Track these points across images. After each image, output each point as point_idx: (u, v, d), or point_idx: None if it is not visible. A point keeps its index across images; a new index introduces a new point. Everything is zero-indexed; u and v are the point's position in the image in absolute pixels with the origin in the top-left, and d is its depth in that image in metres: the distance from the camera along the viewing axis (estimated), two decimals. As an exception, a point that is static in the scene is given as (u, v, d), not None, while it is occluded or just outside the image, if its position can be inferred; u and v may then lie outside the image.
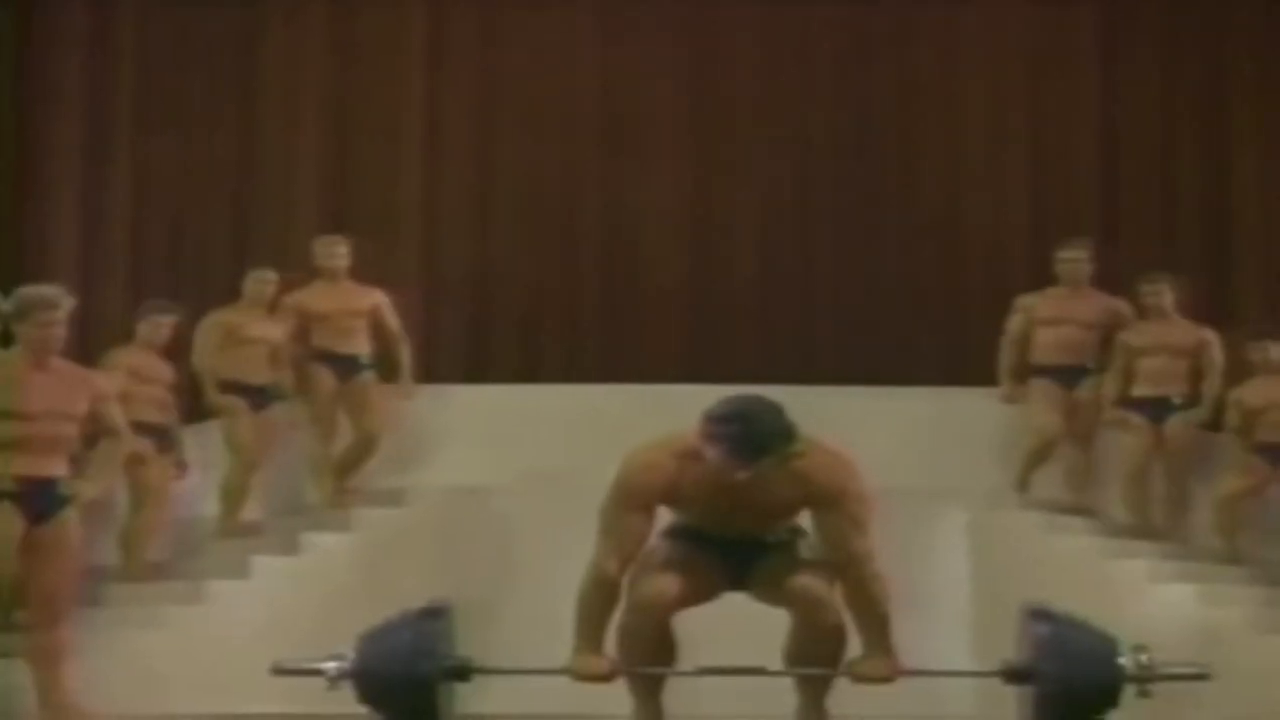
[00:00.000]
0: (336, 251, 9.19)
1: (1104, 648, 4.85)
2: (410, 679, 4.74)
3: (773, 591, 4.91)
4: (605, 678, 4.78)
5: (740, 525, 4.87)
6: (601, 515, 4.83)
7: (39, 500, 6.33)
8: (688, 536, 4.94)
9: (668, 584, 4.79)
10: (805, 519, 5.02)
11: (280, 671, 4.93)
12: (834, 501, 4.79)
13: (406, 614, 4.89)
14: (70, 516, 6.43)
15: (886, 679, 4.81)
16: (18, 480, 6.30)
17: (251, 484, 8.87)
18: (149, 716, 6.85)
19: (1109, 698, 4.78)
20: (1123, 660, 4.78)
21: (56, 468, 6.40)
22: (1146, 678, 4.80)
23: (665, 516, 5.06)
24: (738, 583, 4.94)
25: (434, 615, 4.86)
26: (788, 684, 5.02)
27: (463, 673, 4.85)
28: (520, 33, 10.70)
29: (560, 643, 7.83)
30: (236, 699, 7.55)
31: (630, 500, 4.81)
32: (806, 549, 4.94)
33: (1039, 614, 4.96)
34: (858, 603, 4.83)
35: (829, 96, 10.64)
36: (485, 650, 8.13)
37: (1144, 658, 4.84)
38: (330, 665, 4.85)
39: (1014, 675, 4.88)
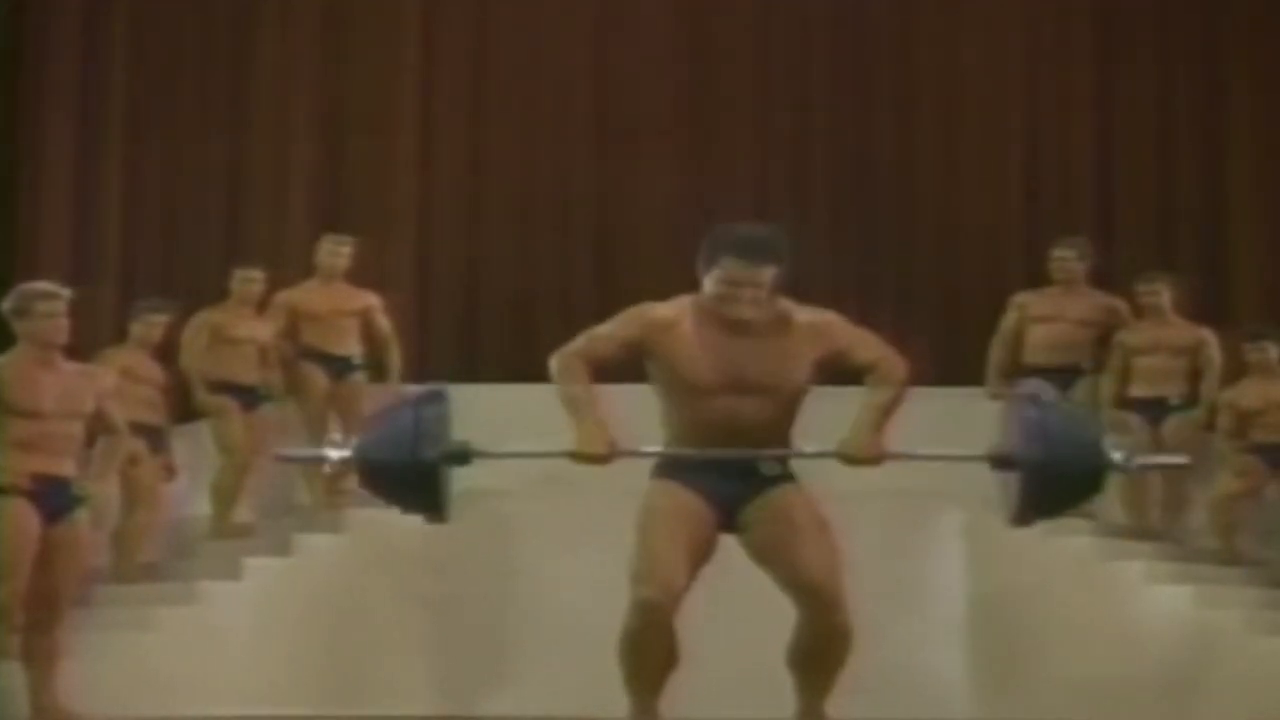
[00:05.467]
0: (341, 251, 9.15)
1: (1089, 433, 4.85)
2: (415, 464, 4.75)
3: (776, 562, 4.79)
4: (605, 458, 4.75)
5: (738, 405, 4.80)
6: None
7: (54, 500, 6.35)
8: (678, 474, 4.88)
9: (672, 572, 4.72)
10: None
11: (284, 458, 4.97)
12: (846, 348, 4.89)
13: (405, 399, 4.93)
14: (82, 518, 6.45)
15: (874, 460, 4.79)
16: (35, 479, 6.31)
17: (243, 485, 8.84)
18: (141, 718, 6.81)
19: (1093, 482, 4.80)
20: (1107, 446, 4.76)
21: (69, 467, 6.44)
22: (1129, 465, 4.79)
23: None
24: (729, 523, 4.86)
25: (433, 400, 4.84)
26: (788, 687, 4.97)
27: (463, 456, 4.83)
28: (514, 29, 10.68)
29: (558, 644, 7.88)
30: (229, 700, 7.54)
31: (624, 323, 4.88)
32: (805, 509, 4.87)
33: (1025, 399, 4.96)
34: (878, 387, 4.87)
35: (824, 93, 10.63)
36: (481, 651, 8.18)
37: (1128, 446, 4.86)
38: (334, 453, 4.86)
39: (999, 461, 4.87)
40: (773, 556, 4.82)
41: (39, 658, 6.46)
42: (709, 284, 4.86)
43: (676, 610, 4.73)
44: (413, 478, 4.78)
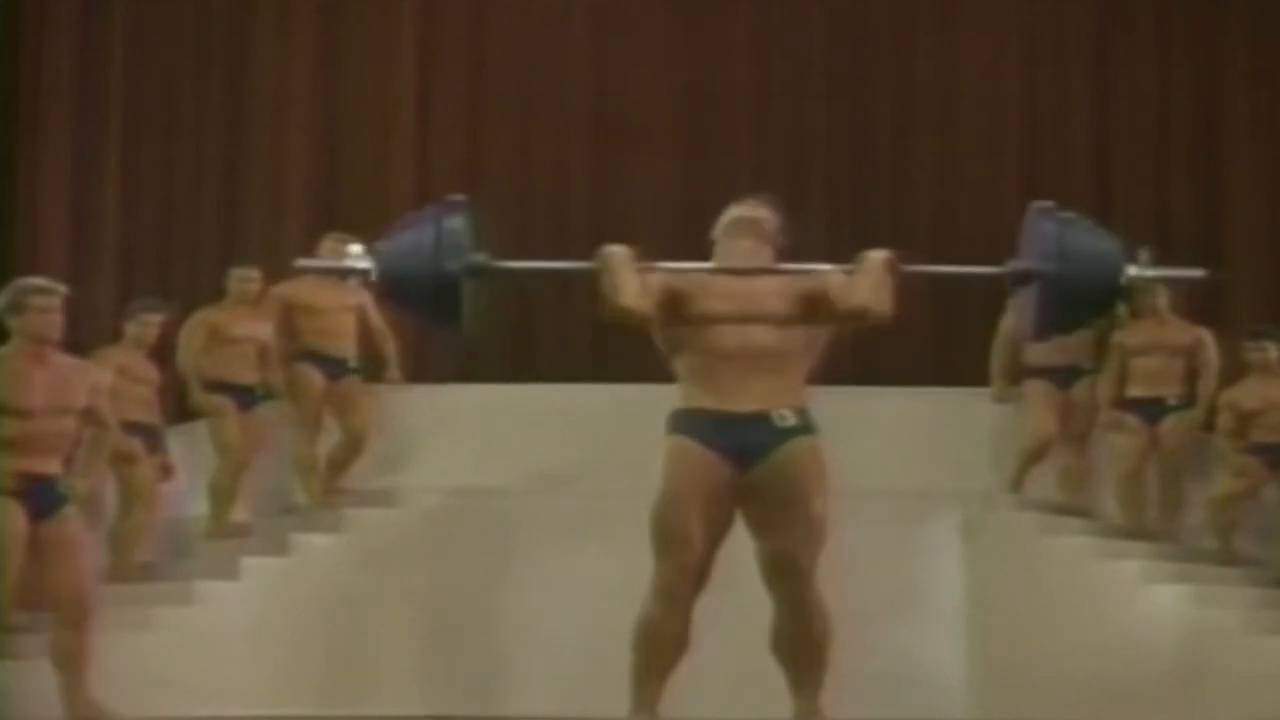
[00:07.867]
0: (345, 250, 9.08)
1: (1105, 246, 4.94)
2: (437, 276, 4.79)
3: (763, 537, 4.85)
4: (631, 255, 4.88)
5: (746, 332, 4.92)
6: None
7: (41, 498, 6.34)
8: (693, 429, 4.89)
9: (691, 552, 4.76)
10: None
11: (306, 267, 4.96)
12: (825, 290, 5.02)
13: (426, 212, 4.95)
14: (72, 513, 6.44)
15: (891, 263, 4.96)
16: (21, 477, 6.30)
17: (240, 485, 8.83)
18: (139, 718, 6.81)
19: (1110, 295, 4.93)
20: (1124, 260, 4.85)
21: (55, 465, 6.42)
22: (1146, 276, 4.92)
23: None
24: (742, 479, 4.86)
25: (454, 211, 4.89)
26: (784, 686, 4.97)
27: (485, 269, 4.90)
28: (512, 26, 10.68)
29: (556, 644, 7.87)
30: (227, 700, 7.53)
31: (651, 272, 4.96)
32: (813, 474, 4.88)
33: (1044, 213, 4.99)
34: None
35: (823, 87, 10.63)
36: (480, 651, 8.18)
37: (1144, 258, 4.94)
38: (356, 265, 4.93)
39: (1018, 276, 4.96)
40: (762, 532, 4.87)
41: (69, 659, 6.41)
42: (718, 236, 5.10)
43: (699, 591, 4.75)
44: (434, 290, 4.82)
